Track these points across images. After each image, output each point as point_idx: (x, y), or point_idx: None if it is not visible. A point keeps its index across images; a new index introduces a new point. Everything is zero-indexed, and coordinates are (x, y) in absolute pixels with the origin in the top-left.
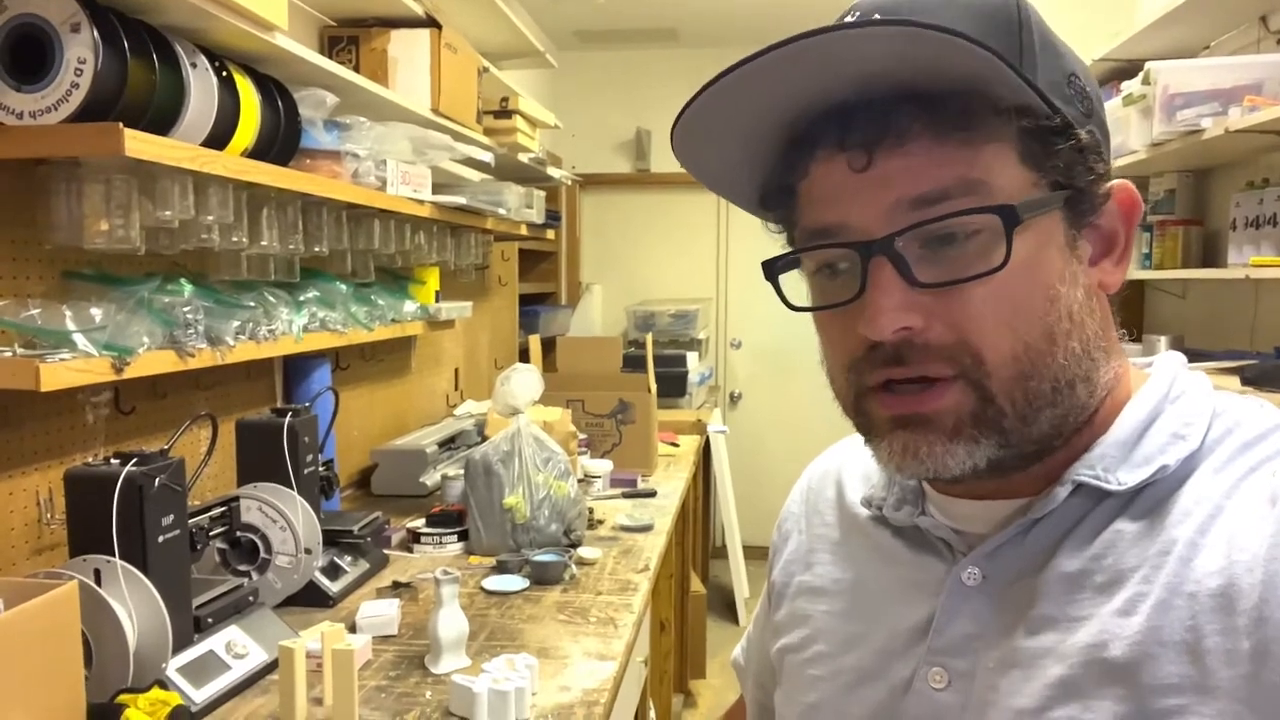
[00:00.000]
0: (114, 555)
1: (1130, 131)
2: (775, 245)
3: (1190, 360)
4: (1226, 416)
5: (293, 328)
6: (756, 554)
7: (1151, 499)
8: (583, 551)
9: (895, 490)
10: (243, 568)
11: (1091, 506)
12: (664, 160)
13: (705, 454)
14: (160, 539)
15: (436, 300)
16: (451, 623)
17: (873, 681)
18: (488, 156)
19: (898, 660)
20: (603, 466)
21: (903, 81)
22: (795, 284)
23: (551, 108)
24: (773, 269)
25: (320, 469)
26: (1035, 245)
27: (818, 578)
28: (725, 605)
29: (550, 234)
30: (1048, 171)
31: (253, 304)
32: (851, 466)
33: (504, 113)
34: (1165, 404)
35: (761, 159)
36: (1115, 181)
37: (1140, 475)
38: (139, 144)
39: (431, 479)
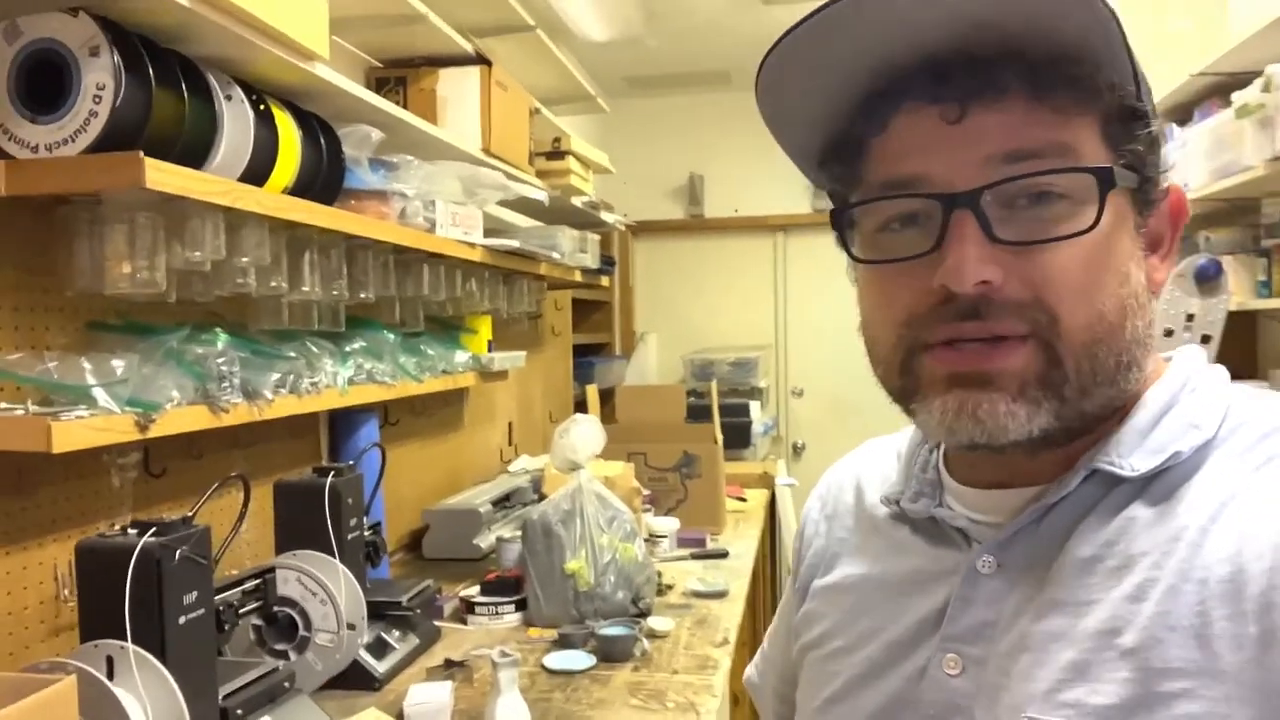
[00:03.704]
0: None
1: (1244, 147)
2: (833, 278)
3: None
4: (1242, 409)
5: (337, 380)
6: None
7: (1165, 486)
8: (653, 622)
9: (913, 484)
10: (280, 646)
11: (1105, 493)
12: (718, 205)
13: (770, 508)
14: (181, 620)
15: (489, 350)
16: (511, 713)
17: (887, 672)
18: (542, 195)
19: (912, 649)
20: (669, 525)
21: (1008, 37)
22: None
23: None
24: (841, 219)
25: (366, 533)
26: (1114, 220)
27: (834, 577)
28: None
29: (604, 281)
30: (1123, 154)
31: (294, 355)
32: (871, 472)
33: (556, 154)
34: (1182, 394)
35: (838, 110)
36: (1169, 183)
37: (1153, 462)
38: (162, 175)
39: (486, 540)
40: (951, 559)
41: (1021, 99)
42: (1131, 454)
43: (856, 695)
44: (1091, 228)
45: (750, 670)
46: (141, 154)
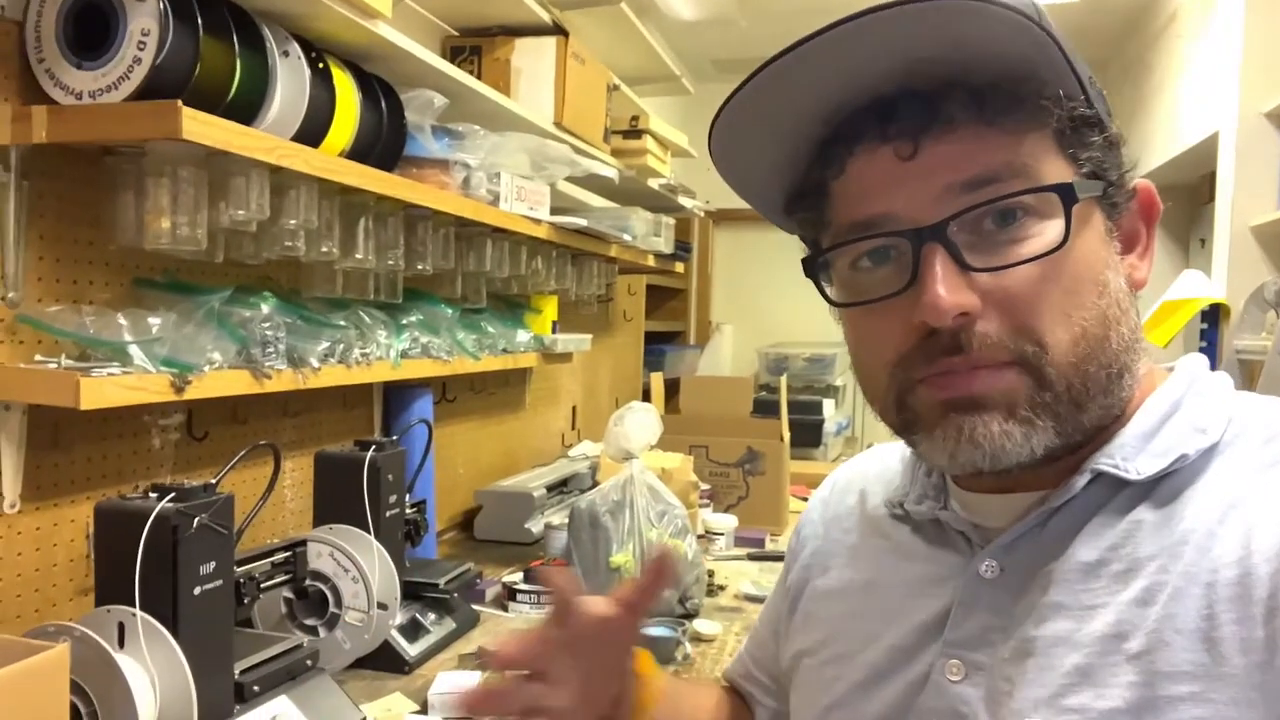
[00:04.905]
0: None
1: None
2: None
3: None
4: (1247, 413)
5: (390, 353)
6: None
7: (1170, 489)
8: (699, 625)
9: (917, 486)
10: (310, 622)
11: (1110, 496)
12: None
13: None
14: (196, 590)
15: (553, 331)
16: None
17: (889, 678)
18: (611, 173)
19: (914, 655)
20: (726, 522)
21: (951, 68)
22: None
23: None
24: (813, 266)
25: (408, 511)
26: (1084, 231)
27: (832, 580)
28: None
29: (679, 267)
30: (1083, 163)
31: (344, 324)
32: (875, 476)
33: (634, 132)
34: (1185, 399)
35: (795, 159)
36: (1136, 181)
37: (1159, 465)
38: (199, 126)
39: (538, 525)
40: (954, 563)
41: (971, 126)
42: (1136, 457)
43: (858, 702)
44: (1061, 245)
45: (727, 670)
46: (179, 103)
